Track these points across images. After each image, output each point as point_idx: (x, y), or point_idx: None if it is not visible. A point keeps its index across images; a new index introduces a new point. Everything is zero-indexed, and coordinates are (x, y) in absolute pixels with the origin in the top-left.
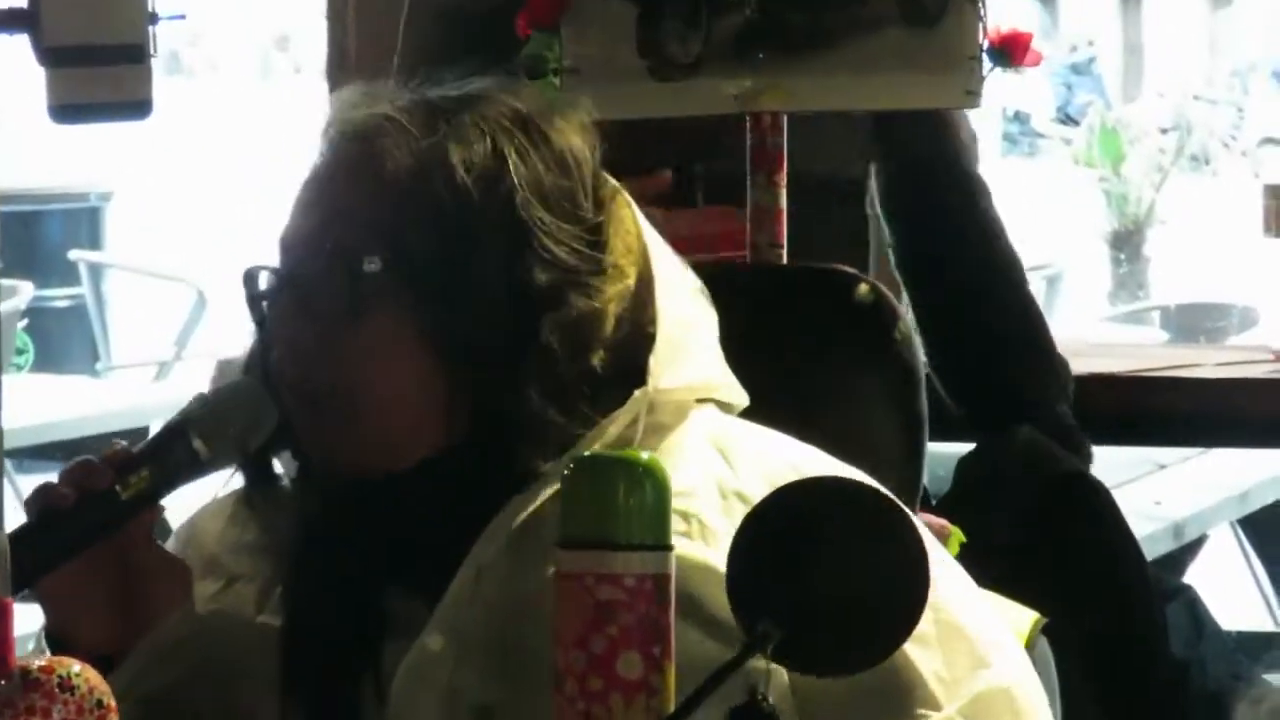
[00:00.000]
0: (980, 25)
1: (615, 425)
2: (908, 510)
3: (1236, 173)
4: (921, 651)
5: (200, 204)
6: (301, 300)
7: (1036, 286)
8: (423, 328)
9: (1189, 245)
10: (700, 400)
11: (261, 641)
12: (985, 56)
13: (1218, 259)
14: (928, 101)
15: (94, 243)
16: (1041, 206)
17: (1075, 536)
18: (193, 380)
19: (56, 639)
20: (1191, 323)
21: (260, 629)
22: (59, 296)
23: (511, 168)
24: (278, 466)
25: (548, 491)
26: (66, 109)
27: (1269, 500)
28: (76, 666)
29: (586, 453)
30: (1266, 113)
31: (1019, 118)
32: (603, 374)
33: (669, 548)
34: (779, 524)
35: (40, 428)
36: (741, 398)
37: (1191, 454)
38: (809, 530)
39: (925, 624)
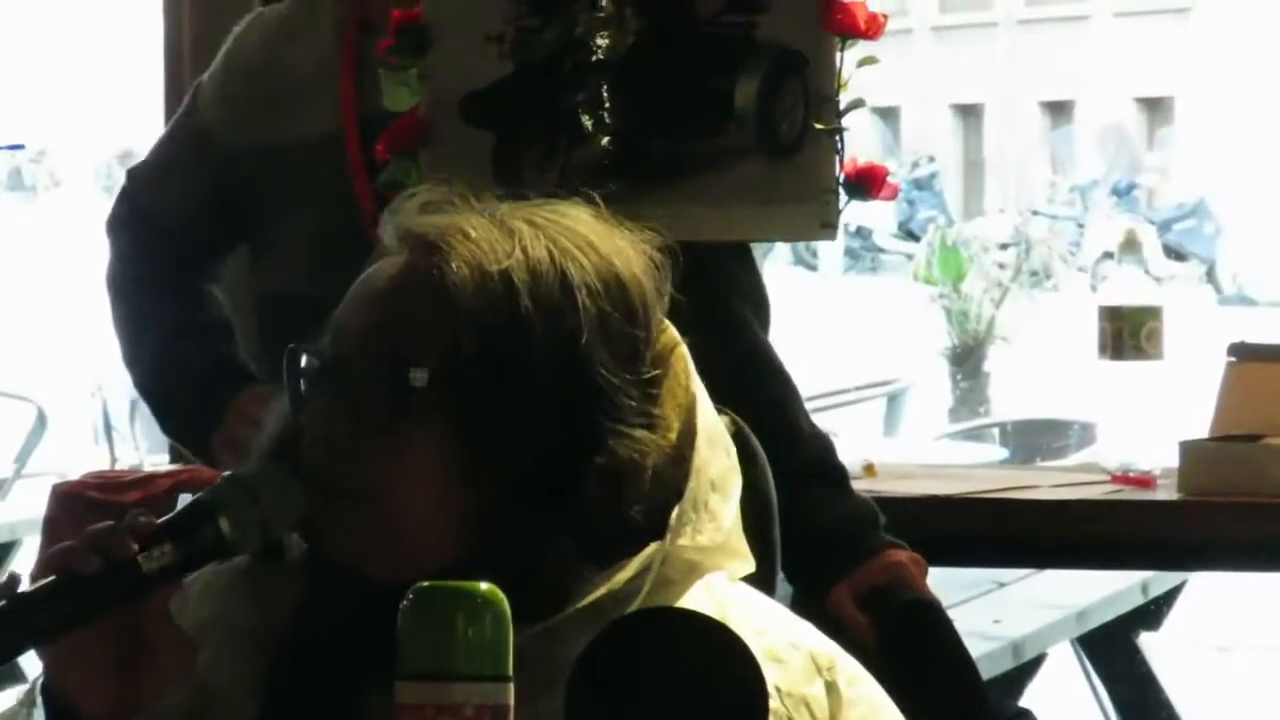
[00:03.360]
0: (837, 158)
1: (624, 574)
2: (746, 643)
3: (1076, 288)
4: None
5: (41, 321)
6: (343, 397)
7: (878, 404)
8: (460, 449)
9: (1029, 362)
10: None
11: None
12: (842, 189)
13: (1058, 375)
14: (785, 234)
15: None
16: (884, 323)
17: (913, 662)
18: (33, 498)
19: (53, 699)
20: (1030, 440)
21: (238, 716)
22: None
23: (580, 306)
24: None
25: (538, 628)
26: None
27: (1106, 619)
28: None
29: (425, 584)
30: (1105, 228)
31: (861, 233)
32: (634, 523)
33: (508, 679)
34: (619, 654)
35: None
36: (749, 567)
37: (1029, 571)
38: (649, 660)
39: None
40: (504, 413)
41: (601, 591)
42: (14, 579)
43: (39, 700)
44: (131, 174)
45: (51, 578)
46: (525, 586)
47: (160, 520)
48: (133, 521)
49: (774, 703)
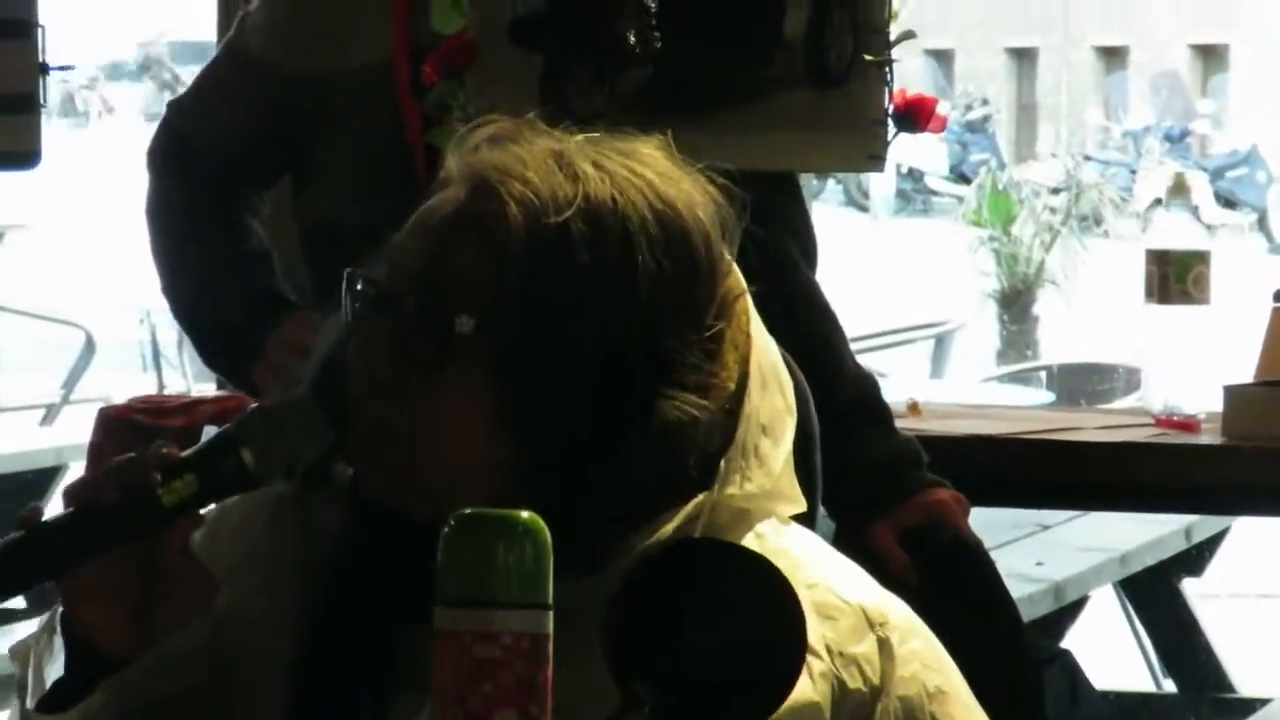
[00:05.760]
0: (886, 90)
1: (670, 525)
2: (787, 577)
3: (1127, 234)
4: None
5: (90, 247)
6: (389, 333)
7: (926, 345)
8: (501, 400)
9: (1078, 306)
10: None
11: (273, 664)
12: (890, 121)
13: (1106, 320)
14: (832, 165)
15: None
16: (934, 265)
17: (952, 601)
18: (80, 424)
19: (73, 632)
20: (1075, 384)
21: (274, 650)
22: None
23: (640, 265)
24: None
25: (581, 583)
26: None
27: (1149, 563)
28: None
29: (467, 510)
30: (1157, 175)
31: (912, 175)
32: (686, 476)
33: (547, 607)
34: (659, 585)
35: None
36: (800, 508)
37: (1073, 514)
38: (689, 594)
39: None
40: (548, 368)
41: (649, 543)
42: (36, 511)
43: (59, 628)
44: (174, 104)
45: (71, 509)
46: (561, 542)
47: (184, 452)
48: (155, 452)
49: (823, 663)
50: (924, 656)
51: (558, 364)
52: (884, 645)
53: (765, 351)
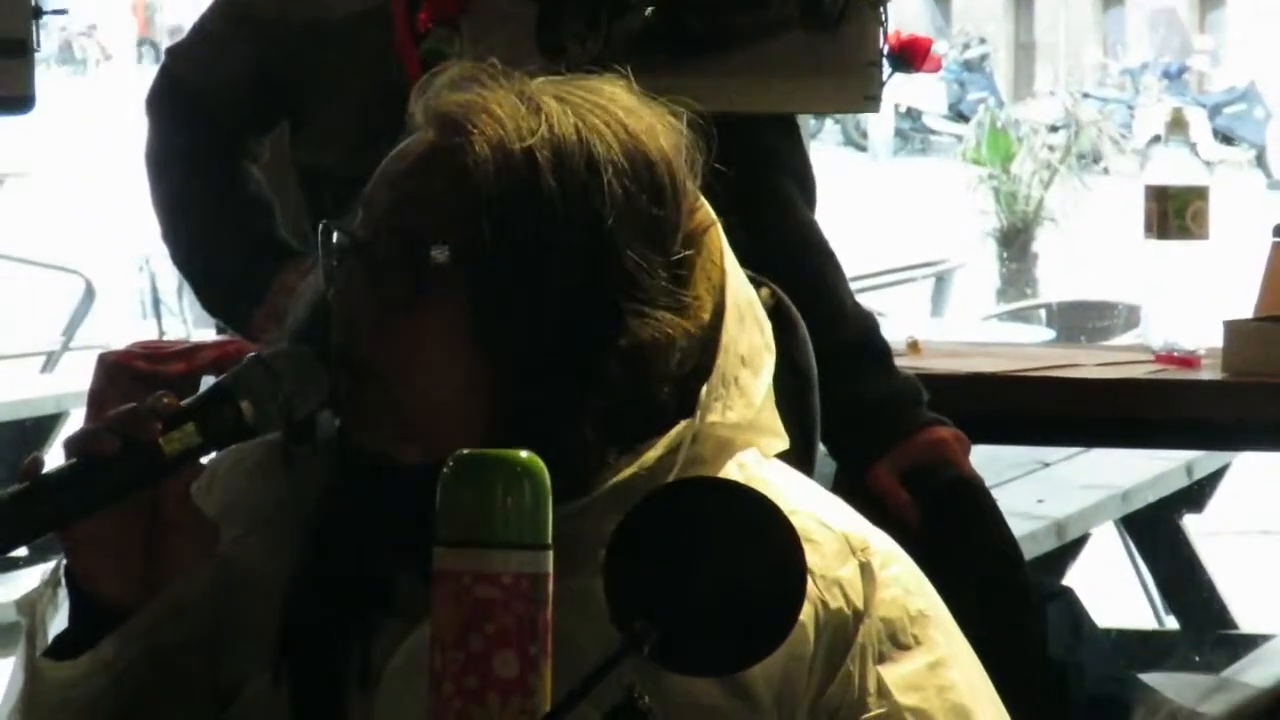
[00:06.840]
0: (881, 31)
1: (654, 451)
2: (784, 513)
3: (1126, 171)
4: None
5: (89, 195)
6: (367, 275)
7: (926, 284)
8: (480, 328)
9: (1078, 243)
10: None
11: (265, 603)
12: (885, 62)
13: (1106, 257)
14: (827, 106)
15: None
16: (933, 204)
17: (954, 539)
18: (80, 371)
19: (77, 584)
20: (1075, 321)
21: (263, 592)
22: None
23: (605, 187)
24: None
25: (568, 507)
26: None
27: (1150, 500)
28: None
29: (466, 451)
30: (1155, 112)
31: (911, 114)
32: (662, 403)
33: (547, 547)
34: (658, 524)
35: None
36: (782, 443)
37: (1074, 452)
38: (687, 531)
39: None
40: (524, 292)
41: (631, 470)
42: (37, 462)
43: (63, 580)
44: (172, 51)
45: (72, 460)
46: (554, 472)
47: (183, 402)
48: (155, 403)
49: (807, 585)
50: (905, 581)
51: (531, 287)
52: (865, 569)
53: (740, 287)
